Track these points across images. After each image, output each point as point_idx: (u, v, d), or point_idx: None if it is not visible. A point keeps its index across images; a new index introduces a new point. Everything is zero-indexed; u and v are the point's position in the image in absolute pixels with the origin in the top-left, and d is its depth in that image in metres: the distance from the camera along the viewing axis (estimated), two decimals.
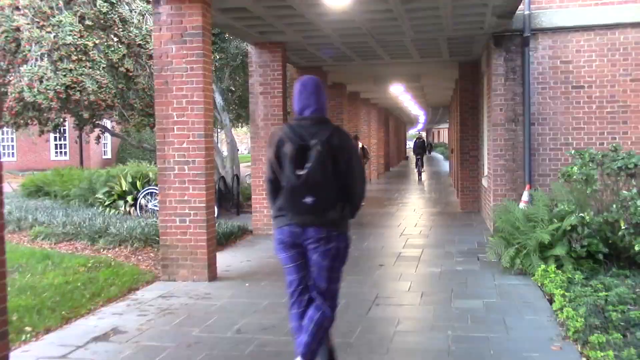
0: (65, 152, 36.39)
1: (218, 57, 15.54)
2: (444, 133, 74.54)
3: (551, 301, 6.28)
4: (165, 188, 7.62)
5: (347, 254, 4.29)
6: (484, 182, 12.46)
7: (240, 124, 20.44)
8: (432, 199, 17.90)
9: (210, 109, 7.72)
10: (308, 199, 4.03)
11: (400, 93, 19.59)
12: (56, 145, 36.66)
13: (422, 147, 27.43)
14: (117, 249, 9.53)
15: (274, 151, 4.11)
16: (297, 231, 4.12)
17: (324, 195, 4.07)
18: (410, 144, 52.87)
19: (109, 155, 37.17)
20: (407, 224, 12.44)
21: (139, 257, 9.00)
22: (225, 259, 8.97)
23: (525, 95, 10.29)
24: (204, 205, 7.53)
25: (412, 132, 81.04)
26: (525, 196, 9.98)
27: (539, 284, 6.92)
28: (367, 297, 6.65)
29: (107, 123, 19.31)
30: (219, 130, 18.16)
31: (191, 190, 7.56)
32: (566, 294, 5.98)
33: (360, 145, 13.55)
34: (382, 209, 15.20)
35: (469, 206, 14.39)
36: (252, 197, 11.37)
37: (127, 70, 12.33)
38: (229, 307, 6.39)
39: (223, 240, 10.08)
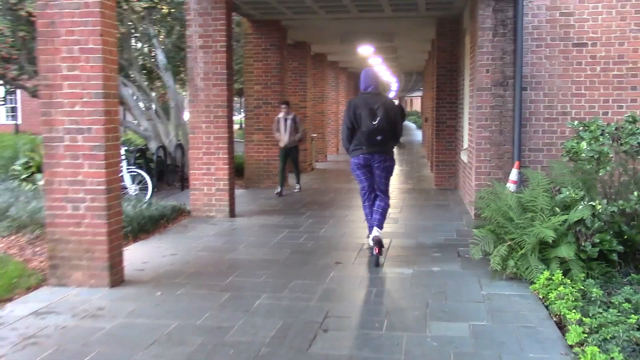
0: (16, 116, 33.79)
1: (165, 9, 13.49)
2: (416, 102, 72.85)
3: (561, 326, 4.65)
4: (52, 164, 5.75)
5: (394, 168, 6.90)
6: (463, 156, 10.79)
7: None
8: (404, 172, 16.23)
9: (114, 60, 5.82)
10: (379, 137, 6.52)
11: (370, 55, 17.72)
12: (8, 108, 34.05)
13: (401, 113, 28.77)
14: (13, 237, 7.66)
15: (353, 111, 6.57)
16: (369, 157, 6.66)
17: (386, 135, 6.55)
18: None
19: None
20: None
21: (36, 250, 7.15)
22: (145, 252, 7.17)
23: (516, 53, 8.56)
24: (104, 187, 5.69)
25: None
26: (513, 175, 8.34)
27: (541, 296, 5.27)
28: (313, 316, 4.93)
29: None
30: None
31: (87, 168, 5.69)
32: (584, 320, 4.33)
33: (291, 115, 11.80)
34: (348, 184, 13.48)
35: (445, 182, 12.75)
36: (190, 172, 9.53)
37: (30, 14, 10.10)
38: (121, 332, 4.61)
39: (149, 225, 8.26)
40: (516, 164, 8.45)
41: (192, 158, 9.48)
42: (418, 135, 36.78)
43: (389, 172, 6.84)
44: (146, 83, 14.20)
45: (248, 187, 13.05)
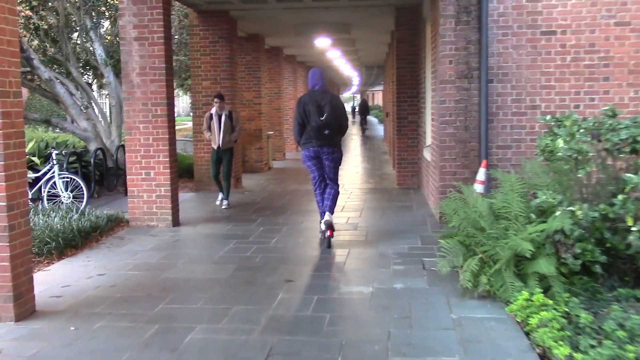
0: None
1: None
2: (378, 96, 72.48)
3: (545, 359, 3.94)
4: None
5: (342, 158, 7.57)
6: (427, 154, 10.10)
7: None
8: (365, 170, 15.52)
9: (14, 52, 4.89)
10: (326, 132, 7.20)
11: (328, 47, 16.95)
12: None
13: (366, 108, 36.66)
14: None
15: (303, 108, 7.23)
16: (318, 149, 7.32)
17: (333, 129, 7.25)
18: (348, 108, 60.63)
19: None
20: None
21: None
22: (68, 273, 6.26)
23: (482, 43, 7.88)
24: (4, 204, 4.77)
25: (346, 95, 78.76)
26: (480, 175, 7.67)
27: (519, 319, 4.57)
28: (253, 355, 4.12)
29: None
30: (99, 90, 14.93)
31: None
32: (575, 356, 3.63)
33: (226, 111, 10.05)
34: (305, 185, 12.69)
35: (408, 181, 12.06)
36: (128, 177, 8.60)
37: None
38: None
39: (78, 240, 7.33)
40: (483, 162, 7.78)
41: (130, 162, 8.56)
42: (380, 130, 36.20)
43: (337, 162, 7.48)
44: (90, 80, 13.20)
45: (199, 190, 12.15)
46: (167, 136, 8.42)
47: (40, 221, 7.40)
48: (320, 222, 7.45)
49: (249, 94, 15.18)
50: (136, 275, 6.13)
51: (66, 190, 9.52)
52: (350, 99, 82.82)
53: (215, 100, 9.97)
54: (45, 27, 12.35)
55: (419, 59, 11.60)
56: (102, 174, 11.21)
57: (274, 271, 6.18)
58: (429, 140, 10.31)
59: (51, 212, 8.02)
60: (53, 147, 10.54)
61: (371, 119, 54.46)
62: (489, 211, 5.49)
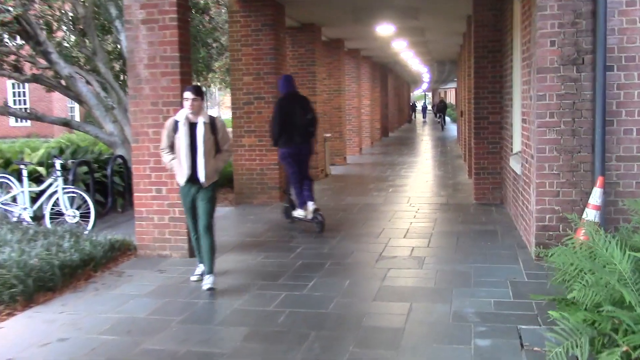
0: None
1: None
2: (451, 94, 69.27)
3: None
4: None
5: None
6: (514, 163, 7.96)
7: None
8: (436, 177, 13.40)
9: None
10: (310, 129, 8.09)
11: (393, 38, 14.93)
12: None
13: (444, 106, 39.08)
14: None
15: (285, 109, 7.91)
16: (300, 147, 8.04)
17: (314, 127, 8.21)
18: (419, 106, 62.43)
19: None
20: (394, 230, 7.99)
21: None
22: (24, 333, 4.59)
23: (597, 16, 5.73)
24: None
25: (417, 92, 76.04)
26: (595, 197, 5.54)
27: None
28: None
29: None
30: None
31: None
32: None
33: (205, 118, 5.59)
34: (364, 197, 10.74)
35: (488, 195, 9.90)
36: (135, 195, 6.91)
37: None
38: None
39: (58, 278, 5.66)
40: (599, 180, 5.63)
41: (137, 176, 6.87)
42: (453, 129, 33.71)
43: (310, 158, 8.35)
44: (123, 77, 11.74)
45: (239, 203, 10.42)
46: None
47: (14, 254, 5.77)
48: (303, 209, 8.16)
49: (302, 92, 13.29)
50: (108, 344, 4.37)
51: (72, 207, 7.94)
52: (420, 97, 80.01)
53: (186, 95, 5.55)
54: (71, 17, 10.94)
55: (503, 46, 9.43)
56: (126, 185, 9.59)
57: (299, 343, 4.28)
58: (517, 146, 8.16)
59: (36, 239, 6.41)
60: (55, 156, 8.98)
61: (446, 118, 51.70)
62: (635, 272, 3.40)
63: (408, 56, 21.06)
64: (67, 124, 10.51)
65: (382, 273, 5.98)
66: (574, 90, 5.96)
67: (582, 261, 3.61)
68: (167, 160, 5.74)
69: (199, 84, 5.36)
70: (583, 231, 5.45)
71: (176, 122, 5.59)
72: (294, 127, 7.94)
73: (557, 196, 6.07)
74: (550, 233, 6.11)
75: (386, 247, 7.02)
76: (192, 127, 5.55)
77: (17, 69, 11.26)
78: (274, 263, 6.47)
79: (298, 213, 8.27)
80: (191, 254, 6.75)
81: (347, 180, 13.57)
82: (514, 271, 5.88)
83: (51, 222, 7.84)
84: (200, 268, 5.88)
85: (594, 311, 3.41)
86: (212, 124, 5.67)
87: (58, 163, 7.93)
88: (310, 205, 8.05)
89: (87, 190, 8.54)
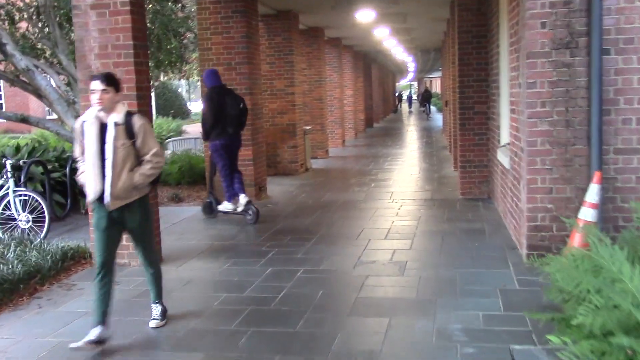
0: None
1: None
2: (436, 83, 68.69)
3: None
4: None
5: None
6: (502, 156, 7.43)
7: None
8: (420, 170, 12.85)
9: None
10: (242, 119, 8.11)
11: (373, 25, 14.31)
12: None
13: (429, 96, 40.32)
14: None
15: (218, 100, 7.89)
16: (232, 138, 8.04)
17: (245, 118, 8.25)
18: (404, 96, 61.55)
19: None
20: (374, 231, 7.43)
21: None
22: None
23: None
24: None
25: (403, 82, 75.37)
26: (592, 194, 5.02)
27: None
28: None
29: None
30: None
31: None
32: None
33: (120, 117, 4.20)
34: (345, 194, 10.17)
35: (474, 190, 9.36)
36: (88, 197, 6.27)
37: None
38: None
39: None
40: (596, 175, 5.09)
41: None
42: (438, 120, 33.19)
43: (239, 150, 8.35)
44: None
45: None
46: None
47: None
48: (232, 202, 8.15)
49: (279, 83, 12.71)
50: None
51: (24, 211, 7.30)
52: (406, 87, 79.46)
53: (93, 86, 4.24)
54: (33, 7, 10.24)
55: (489, 31, 8.87)
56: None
57: None
58: (505, 138, 7.63)
59: None
60: (4, 156, 8.31)
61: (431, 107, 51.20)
62: None
63: (391, 45, 20.45)
64: (24, 120, 9.82)
65: (359, 281, 5.41)
66: (567, 76, 5.41)
67: (585, 277, 3.06)
68: (79, 174, 4.47)
69: (111, 72, 4.16)
70: (578, 234, 4.93)
71: (82, 124, 4.32)
72: (227, 117, 7.92)
73: (549, 193, 5.53)
74: (543, 234, 5.57)
75: (365, 250, 6.46)
76: (103, 129, 4.23)
77: None
78: (242, 271, 5.89)
79: (225, 207, 8.20)
80: None
81: (328, 174, 12.98)
82: (504, 277, 5.34)
83: (2, 229, 7.20)
84: (96, 330, 4.17)
85: (602, 339, 2.86)
86: (128, 125, 4.26)
87: (8, 163, 7.28)
88: (243, 198, 8.03)
89: (43, 192, 7.90)
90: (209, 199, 8.48)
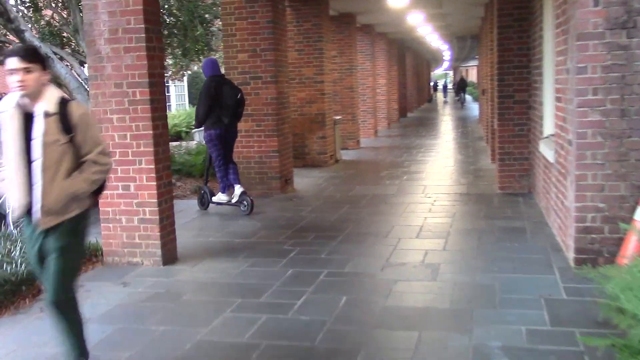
0: None
1: None
2: (472, 73, 67.22)
3: None
4: None
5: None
6: (545, 149, 6.83)
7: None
8: (455, 162, 12.26)
9: None
10: (239, 109, 7.96)
11: (407, 9, 13.70)
12: None
13: (464, 84, 40.24)
14: None
15: (215, 89, 7.76)
16: (227, 128, 7.91)
17: (242, 108, 8.06)
18: (440, 85, 62.73)
19: None
20: (405, 228, 6.92)
21: None
22: None
23: None
24: None
25: (438, 71, 74.08)
26: None
27: None
28: None
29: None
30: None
31: None
32: None
33: (50, 105, 3.14)
34: (375, 187, 9.67)
35: (514, 184, 8.75)
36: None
37: None
38: None
39: None
40: None
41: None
42: (474, 109, 32.30)
43: (235, 140, 8.24)
44: None
45: None
46: (152, 132, 5.65)
47: None
48: (225, 194, 8.08)
49: (308, 71, 12.21)
50: None
51: None
52: (441, 76, 78.11)
53: (10, 64, 3.20)
54: None
55: (532, 13, 8.23)
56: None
57: None
58: (548, 128, 7.02)
59: None
60: None
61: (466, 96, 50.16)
62: None
63: (426, 31, 19.76)
64: None
65: (387, 287, 4.93)
66: (622, 60, 4.81)
67: None
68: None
69: (33, 45, 3.33)
70: (634, 238, 4.37)
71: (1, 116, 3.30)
72: (223, 107, 7.81)
73: (601, 191, 4.95)
74: (593, 236, 5.00)
75: (394, 251, 5.96)
76: (29, 121, 3.25)
77: None
78: (260, 273, 5.45)
79: (219, 198, 8.10)
80: (165, 261, 5.77)
81: (358, 166, 12.48)
82: (550, 284, 4.79)
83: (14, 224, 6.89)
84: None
85: None
86: (63, 116, 3.25)
87: None
88: (238, 189, 7.96)
89: None
90: (203, 191, 8.25)
